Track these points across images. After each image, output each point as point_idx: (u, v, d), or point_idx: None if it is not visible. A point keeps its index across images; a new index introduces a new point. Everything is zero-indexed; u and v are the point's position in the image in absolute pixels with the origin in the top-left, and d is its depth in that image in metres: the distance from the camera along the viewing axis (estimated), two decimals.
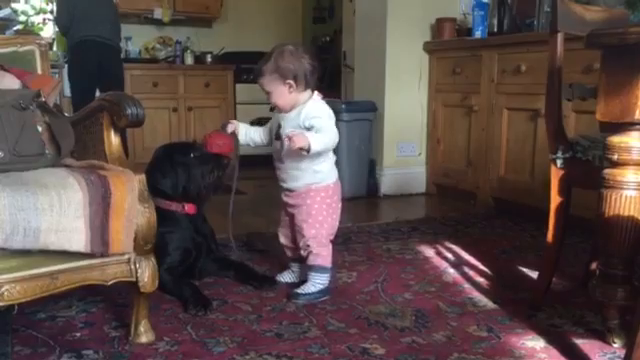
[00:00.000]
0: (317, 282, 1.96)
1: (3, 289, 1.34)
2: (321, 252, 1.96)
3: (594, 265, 1.87)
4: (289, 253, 2.12)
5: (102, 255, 1.46)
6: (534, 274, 2.03)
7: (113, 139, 1.65)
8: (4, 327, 1.69)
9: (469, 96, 3.53)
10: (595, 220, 1.54)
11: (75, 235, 1.38)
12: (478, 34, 3.53)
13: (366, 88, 4.03)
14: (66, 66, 4.38)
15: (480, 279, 2.19)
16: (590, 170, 1.65)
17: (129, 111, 1.55)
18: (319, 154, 1.90)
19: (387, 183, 3.89)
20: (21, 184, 1.35)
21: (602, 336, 1.61)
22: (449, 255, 2.50)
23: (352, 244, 2.65)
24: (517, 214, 3.16)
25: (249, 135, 2.07)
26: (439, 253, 2.52)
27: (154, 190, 1.77)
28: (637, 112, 1.40)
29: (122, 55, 4.69)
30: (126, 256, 1.52)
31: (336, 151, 2.01)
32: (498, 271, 2.28)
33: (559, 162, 1.78)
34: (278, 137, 1.97)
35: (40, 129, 1.64)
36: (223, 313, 1.84)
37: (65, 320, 1.78)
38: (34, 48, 2.01)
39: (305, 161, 1.92)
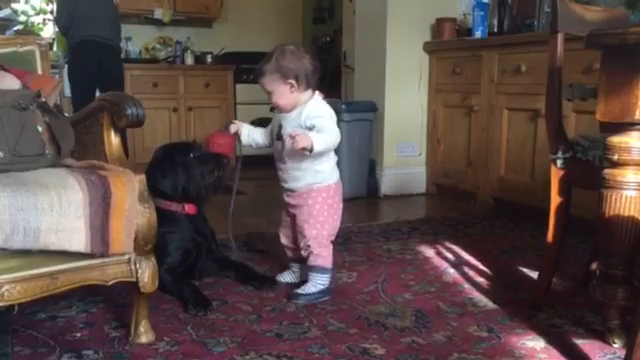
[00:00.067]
0: (317, 282, 1.96)
1: (3, 289, 1.34)
2: (322, 253, 1.96)
3: (594, 265, 1.87)
4: (290, 253, 2.12)
5: (102, 255, 1.46)
6: (534, 274, 2.03)
7: (113, 139, 1.65)
8: (4, 327, 1.69)
9: (469, 96, 3.53)
10: (595, 220, 1.54)
11: (75, 235, 1.38)
12: (478, 34, 3.53)
13: (366, 88, 4.03)
14: (66, 66, 4.38)
15: (480, 279, 2.19)
16: (590, 170, 1.65)
17: (129, 111, 1.55)
18: (321, 154, 1.89)
19: (387, 183, 3.89)
20: (21, 184, 1.35)
21: (602, 336, 1.61)
22: (449, 255, 2.50)
23: (352, 244, 2.65)
24: (517, 214, 3.16)
25: (251, 136, 2.07)
26: (439, 253, 2.52)
27: (154, 190, 1.77)
28: (637, 112, 1.40)
29: (122, 55, 4.69)
30: (126, 256, 1.52)
31: (337, 151, 2.01)
32: (498, 271, 2.28)
33: (559, 162, 1.78)
34: (279, 137, 1.97)
35: (40, 129, 1.63)
36: (223, 313, 1.84)
37: (65, 320, 1.78)
38: (34, 48, 2.01)
39: (306, 161, 1.92)
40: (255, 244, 2.59)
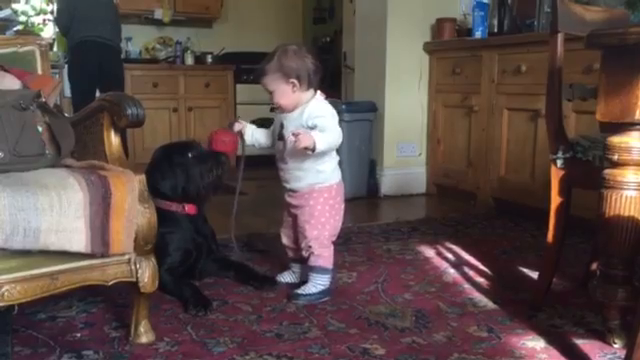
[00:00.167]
0: (318, 283, 1.96)
1: (3, 289, 1.34)
2: (323, 253, 1.96)
3: (594, 265, 1.87)
4: (291, 254, 2.12)
5: (102, 255, 1.46)
6: (534, 274, 2.03)
7: (113, 139, 1.65)
8: (4, 327, 1.69)
9: (469, 96, 3.53)
10: (595, 220, 1.54)
11: (75, 235, 1.38)
12: (478, 34, 3.53)
13: (366, 88, 4.03)
14: (66, 66, 4.38)
15: (480, 279, 2.19)
16: (590, 170, 1.65)
17: (129, 111, 1.55)
18: (323, 154, 1.89)
19: (387, 183, 3.89)
20: (21, 184, 1.35)
21: (602, 336, 1.61)
22: (449, 255, 2.50)
23: (352, 244, 2.65)
24: (517, 214, 3.16)
25: (255, 136, 2.06)
26: (439, 253, 2.52)
27: (154, 191, 1.77)
28: (637, 112, 1.40)
29: (122, 55, 4.69)
30: (126, 256, 1.52)
31: (337, 151, 2.01)
32: (498, 271, 2.28)
33: (559, 162, 1.78)
34: (281, 137, 1.97)
35: (40, 129, 1.63)
36: (223, 313, 1.84)
37: (65, 320, 1.78)
38: (34, 48, 2.01)
39: (308, 161, 1.91)
40: (255, 244, 2.59)
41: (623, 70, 1.42)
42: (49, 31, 5.25)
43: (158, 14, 5.29)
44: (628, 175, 1.45)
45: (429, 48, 3.86)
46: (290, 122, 1.93)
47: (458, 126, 3.66)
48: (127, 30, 4.95)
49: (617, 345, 1.56)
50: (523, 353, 1.58)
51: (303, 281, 2.02)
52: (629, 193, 1.45)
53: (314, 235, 1.95)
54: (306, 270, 2.02)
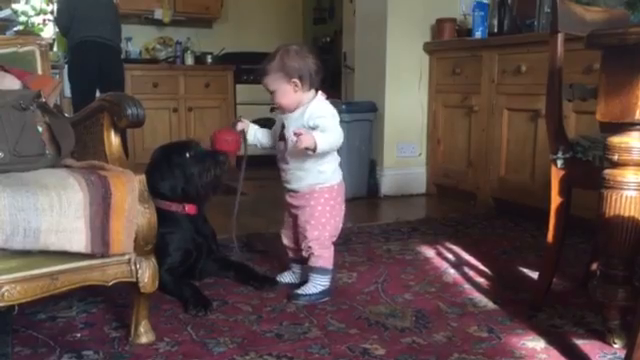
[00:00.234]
0: (318, 283, 1.95)
1: (3, 290, 1.34)
2: (323, 254, 1.96)
3: (594, 265, 1.87)
4: (291, 254, 2.12)
5: (102, 256, 1.46)
6: (534, 274, 2.03)
7: (113, 139, 1.65)
8: (4, 328, 1.69)
9: (469, 96, 3.53)
10: (595, 220, 1.54)
11: (75, 235, 1.38)
12: (478, 34, 3.54)
13: (366, 89, 4.03)
14: (66, 67, 4.38)
15: (480, 279, 2.19)
16: (590, 170, 1.65)
17: (129, 111, 1.55)
18: (324, 154, 1.89)
19: (387, 184, 3.89)
20: (21, 184, 1.35)
21: (602, 337, 1.61)
22: (449, 255, 2.50)
23: (352, 244, 2.65)
24: (517, 214, 3.16)
25: (257, 136, 2.06)
26: (439, 254, 2.52)
27: (154, 191, 1.77)
28: (637, 112, 1.40)
29: (122, 56, 4.69)
30: (126, 257, 1.52)
31: (338, 152, 2.01)
32: (498, 271, 2.28)
33: (559, 162, 1.78)
34: (282, 138, 1.97)
35: (40, 129, 1.64)
36: (223, 313, 1.84)
37: (65, 321, 1.78)
38: (34, 49, 2.01)
39: (309, 161, 1.91)
40: (255, 244, 2.59)
41: (623, 70, 1.42)
42: (49, 31, 5.25)
43: (158, 14, 5.29)
44: (628, 175, 1.45)
45: (429, 48, 3.85)
46: (291, 122, 1.93)
47: (458, 126, 3.66)
48: (127, 30, 4.95)
49: (617, 345, 1.56)
50: (523, 353, 1.58)
51: (303, 281, 2.02)
52: (629, 193, 1.45)
53: (314, 236, 1.94)
54: (306, 270, 2.02)
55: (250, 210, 3.26)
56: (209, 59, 5.47)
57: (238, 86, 5.39)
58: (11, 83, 1.74)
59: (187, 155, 2.04)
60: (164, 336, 1.66)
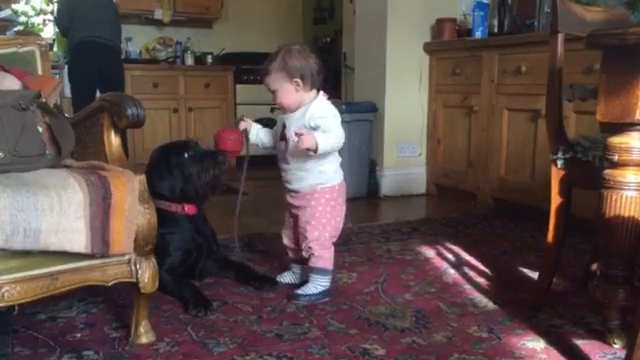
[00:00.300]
0: (318, 284, 1.95)
1: (3, 290, 1.34)
2: (323, 254, 1.96)
3: (594, 266, 1.87)
4: (291, 254, 2.12)
5: (102, 256, 1.46)
6: (534, 275, 2.03)
7: (113, 140, 1.65)
8: (4, 328, 1.69)
9: (469, 97, 3.54)
10: (595, 221, 1.54)
11: (75, 236, 1.38)
12: (478, 35, 3.54)
13: (366, 89, 4.03)
14: (66, 67, 4.38)
15: (480, 280, 2.19)
16: (590, 171, 1.65)
17: (129, 112, 1.55)
18: (325, 154, 1.89)
19: (387, 184, 3.89)
20: (21, 185, 1.35)
21: (603, 337, 1.61)
22: (449, 256, 2.50)
23: (352, 245, 2.65)
24: (517, 215, 3.16)
25: (259, 135, 2.06)
26: (439, 254, 2.52)
27: (153, 192, 1.77)
28: (637, 112, 1.40)
29: (122, 56, 4.70)
30: (126, 257, 1.52)
31: (339, 152, 2.00)
32: (498, 272, 2.28)
33: (559, 163, 1.78)
34: (283, 138, 1.96)
35: (40, 130, 1.63)
36: (223, 314, 1.84)
37: (65, 321, 1.78)
38: (34, 49, 2.01)
39: (310, 161, 1.91)
40: (255, 244, 2.59)
41: (623, 70, 1.42)
42: (49, 31, 5.25)
43: (158, 14, 5.30)
44: (628, 175, 1.45)
45: (429, 48, 3.86)
46: (292, 122, 1.93)
47: (458, 126, 3.67)
48: (127, 30, 4.95)
49: (617, 345, 1.56)
50: (523, 353, 1.58)
51: (303, 281, 2.02)
52: (629, 193, 1.45)
53: (315, 236, 1.94)
54: (306, 271, 2.01)
55: (251, 210, 3.26)
56: (209, 59, 5.47)
57: (238, 86, 5.40)
58: (11, 83, 1.74)
59: (186, 155, 2.04)
60: (164, 336, 1.66)
